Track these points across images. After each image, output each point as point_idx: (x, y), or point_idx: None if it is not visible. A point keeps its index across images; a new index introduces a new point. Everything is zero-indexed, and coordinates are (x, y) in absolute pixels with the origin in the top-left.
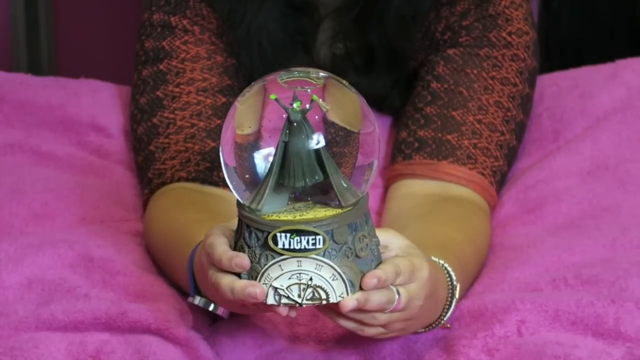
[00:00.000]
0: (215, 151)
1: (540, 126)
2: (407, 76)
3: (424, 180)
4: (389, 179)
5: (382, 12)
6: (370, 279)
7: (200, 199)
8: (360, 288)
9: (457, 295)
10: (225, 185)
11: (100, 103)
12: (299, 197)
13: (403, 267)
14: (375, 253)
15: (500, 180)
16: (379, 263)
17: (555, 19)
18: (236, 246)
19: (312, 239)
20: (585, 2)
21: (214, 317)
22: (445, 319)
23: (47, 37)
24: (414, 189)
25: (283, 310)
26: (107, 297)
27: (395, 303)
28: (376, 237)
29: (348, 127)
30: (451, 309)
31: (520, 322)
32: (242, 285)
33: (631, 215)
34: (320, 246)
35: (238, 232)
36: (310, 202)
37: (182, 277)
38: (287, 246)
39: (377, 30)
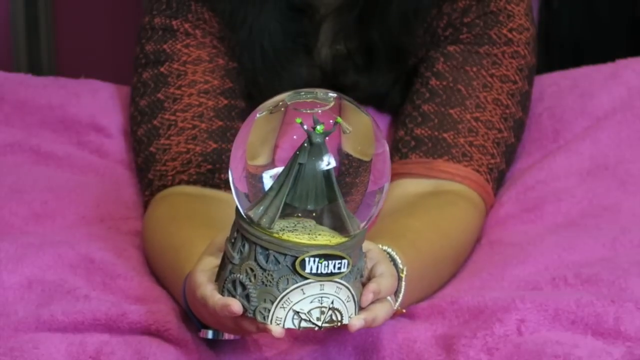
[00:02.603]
0: (216, 152)
1: (540, 126)
2: (408, 73)
3: (418, 180)
4: None
5: (383, 9)
6: (367, 295)
7: (198, 209)
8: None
9: (404, 279)
10: (227, 188)
11: (100, 103)
12: (294, 215)
13: (395, 275)
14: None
15: (498, 177)
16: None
17: (555, 18)
18: (240, 269)
19: (339, 263)
20: (585, 2)
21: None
22: (396, 304)
23: (47, 37)
24: (409, 189)
25: (279, 333)
26: (107, 299)
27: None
28: None
29: (361, 158)
30: (401, 294)
31: (520, 321)
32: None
33: (631, 215)
34: (345, 270)
35: (246, 255)
36: (299, 221)
37: (178, 299)
38: (314, 271)
39: (378, 28)
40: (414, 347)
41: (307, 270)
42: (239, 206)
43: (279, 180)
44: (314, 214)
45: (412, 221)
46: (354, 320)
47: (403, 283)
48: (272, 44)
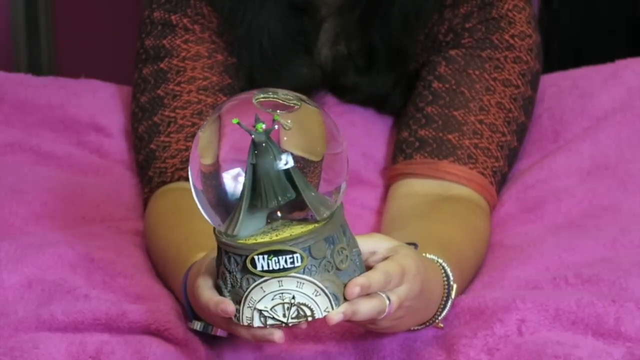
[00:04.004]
0: None
1: (541, 126)
2: (409, 76)
3: (424, 180)
4: (390, 178)
5: (385, 11)
6: (353, 288)
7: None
8: (345, 299)
9: (453, 296)
10: None
11: (100, 103)
12: (276, 216)
13: (393, 272)
14: (358, 263)
15: (501, 180)
16: (362, 272)
17: (555, 19)
18: (218, 274)
19: (290, 258)
20: (585, 2)
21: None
22: (439, 318)
23: (47, 37)
24: (415, 189)
25: (278, 338)
26: (107, 298)
27: (387, 311)
28: (357, 247)
29: (308, 157)
30: (446, 309)
31: (520, 321)
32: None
33: (631, 215)
34: (299, 264)
35: (219, 259)
36: (287, 220)
37: (179, 295)
38: (265, 268)
39: (379, 30)
40: (415, 346)
41: (259, 267)
42: (200, 209)
43: (243, 185)
44: (296, 211)
45: (451, 231)
46: (332, 314)
47: (451, 301)
48: (272, 42)
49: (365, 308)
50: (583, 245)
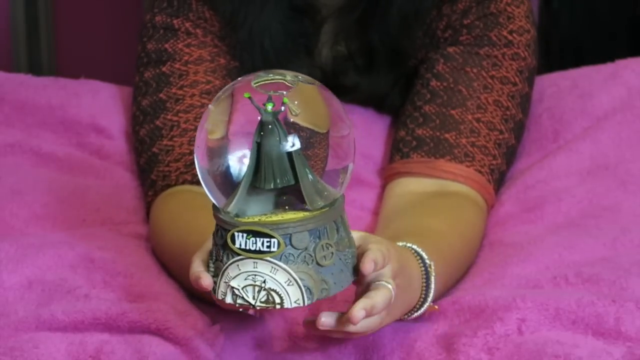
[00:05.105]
0: None
1: (540, 126)
2: (408, 75)
3: (420, 178)
4: (387, 177)
5: (384, 11)
6: (369, 264)
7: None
8: (353, 281)
9: (433, 273)
10: None
11: (100, 104)
12: (281, 201)
13: (378, 258)
14: (348, 264)
15: (499, 178)
16: (353, 274)
17: (555, 19)
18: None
19: (267, 242)
20: (585, 2)
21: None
22: (429, 300)
23: (47, 37)
24: (410, 187)
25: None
26: (107, 297)
27: (393, 294)
28: (353, 248)
29: (314, 128)
30: (432, 288)
31: (520, 320)
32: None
33: (631, 215)
34: (275, 249)
35: (214, 232)
36: (290, 207)
37: None
38: (243, 246)
39: (378, 30)
40: (415, 346)
41: (237, 245)
42: (204, 187)
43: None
44: (290, 196)
45: (434, 223)
46: (355, 312)
47: (433, 278)
48: (273, 44)
49: (380, 298)
50: (583, 245)
